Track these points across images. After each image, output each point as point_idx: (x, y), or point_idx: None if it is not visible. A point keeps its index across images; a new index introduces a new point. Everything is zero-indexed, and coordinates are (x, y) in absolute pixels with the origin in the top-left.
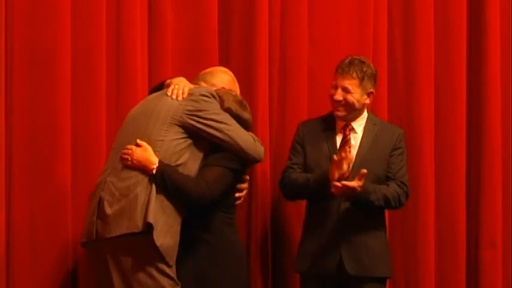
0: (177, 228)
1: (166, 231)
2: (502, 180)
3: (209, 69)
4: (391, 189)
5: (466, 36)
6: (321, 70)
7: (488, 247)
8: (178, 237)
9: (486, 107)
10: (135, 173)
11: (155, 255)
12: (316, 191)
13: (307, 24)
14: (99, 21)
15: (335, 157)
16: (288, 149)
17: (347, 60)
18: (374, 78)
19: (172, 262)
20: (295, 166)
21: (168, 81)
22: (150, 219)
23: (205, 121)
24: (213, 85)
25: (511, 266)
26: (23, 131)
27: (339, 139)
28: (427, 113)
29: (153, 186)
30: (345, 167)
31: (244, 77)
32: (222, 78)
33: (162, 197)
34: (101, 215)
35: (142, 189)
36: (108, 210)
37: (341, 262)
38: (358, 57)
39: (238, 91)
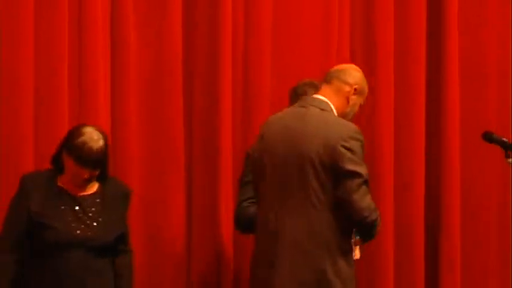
0: None
1: None
2: (461, 202)
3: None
4: None
5: (425, 56)
6: (283, 95)
7: (448, 270)
8: None
9: (445, 130)
10: None
11: None
12: None
13: (270, 51)
14: (61, 46)
15: None
16: None
17: None
18: None
19: None
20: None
21: None
22: None
23: None
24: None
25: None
26: None
27: None
28: (386, 127)
29: None
30: None
31: (208, 100)
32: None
33: None
34: None
35: None
36: None
37: None
38: None
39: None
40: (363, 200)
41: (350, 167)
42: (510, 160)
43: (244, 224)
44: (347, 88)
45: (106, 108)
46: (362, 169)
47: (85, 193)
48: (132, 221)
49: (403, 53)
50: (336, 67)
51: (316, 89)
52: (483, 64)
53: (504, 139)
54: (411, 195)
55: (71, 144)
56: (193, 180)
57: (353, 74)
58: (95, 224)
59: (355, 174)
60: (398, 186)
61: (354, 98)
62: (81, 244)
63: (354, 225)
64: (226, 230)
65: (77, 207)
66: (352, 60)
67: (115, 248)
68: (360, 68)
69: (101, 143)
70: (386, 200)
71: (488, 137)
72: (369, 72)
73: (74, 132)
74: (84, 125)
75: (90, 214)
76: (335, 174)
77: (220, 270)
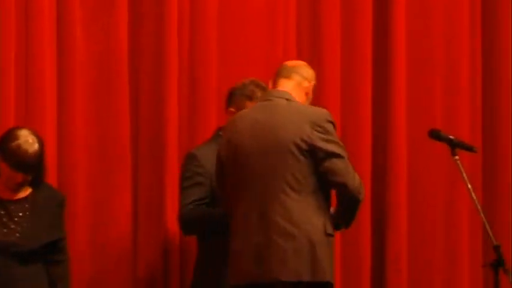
0: None
1: None
2: (407, 199)
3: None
4: None
5: (371, 48)
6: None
7: (394, 269)
8: None
9: (391, 127)
10: None
11: None
12: None
13: (216, 46)
14: (7, 46)
15: None
16: None
17: None
18: None
19: None
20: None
21: None
22: None
23: None
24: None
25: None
26: None
27: None
28: None
29: None
30: None
31: (155, 97)
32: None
33: None
34: None
35: None
36: None
37: None
38: None
39: None
40: (355, 178)
41: (334, 149)
42: (457, 157)
43: (190, 226)
44: (306, 83)
45: (52, 107)
46: (342, 149)
47: (15, 198)
48: (78, 220)
49: (350, 47)
50: (291, 63)
51: (261, 88)
52: (430, 60)
53: (451, 137)
54: None
55: (6, 147)
56: (139, 178)
57: (309, 70)
58: (19, 229)
59: (338, 156)
60: None
61: (310, 94)
62: (3, 249)
63: (344, 204)
64: (172, 227)
65: (2, 212)
66: (299, 52)
67: (47, 255)
68: (306, 61)
69: (36, 146)
70: (332, 196)
71: (435, 135)
72: (316, 65)
73: (9, 135)
74: (19, 127)
75: (16, 219)
76: (315, 158)
77: (167, 268)
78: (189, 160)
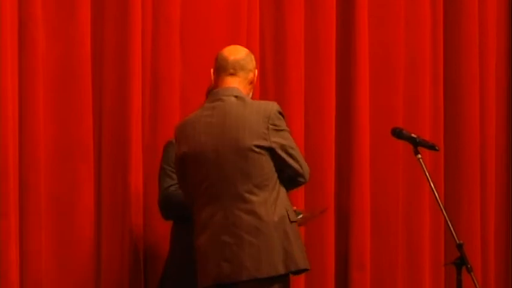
0: None
1: None
2: (370, 201)
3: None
4: None
5: (335, 47)
6: (192, 90)
7: (357, 269)
8: None
9: (355, 126)
10: None
11: None
12: None
13: (179, 44)
14: None
15: None
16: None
17: None
18: None
19: None
20: None
21: None
22: None
23: None
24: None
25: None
26: None
27: None
28: (296, 123)
29: None
30: None
31: (118, 96)
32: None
33: None
34: None
35: None
36: None
37: None
38: None
39: None
40: (304, 163)
41: (288, 142)
42: (419, 156)
43: (170, 209)
44: (251, 75)
45: (14, 105)
46: (291, 137)
47: None
48: (41, 215)
49: (313, 47)
50: (231, 56)
51: None
52: (392, 58)
53: (413, 135)
54: (322, 193)
55: None
56: (102, 174)
57: (252, 59)
58: None
59: (292, 147)
60: (309, 184)
61: (254, 81)
62: None
63: (291, 185)
64: (136, 221)
65: None
66: (262, 50)
67: None
68: (270, 61)
69: None
70: (297, 196)
71: (397, 133)
72: (279, 64)
73: None
74: None
75: None
76: (274, 153)
77: (131, 262)
78: (168, 147)
